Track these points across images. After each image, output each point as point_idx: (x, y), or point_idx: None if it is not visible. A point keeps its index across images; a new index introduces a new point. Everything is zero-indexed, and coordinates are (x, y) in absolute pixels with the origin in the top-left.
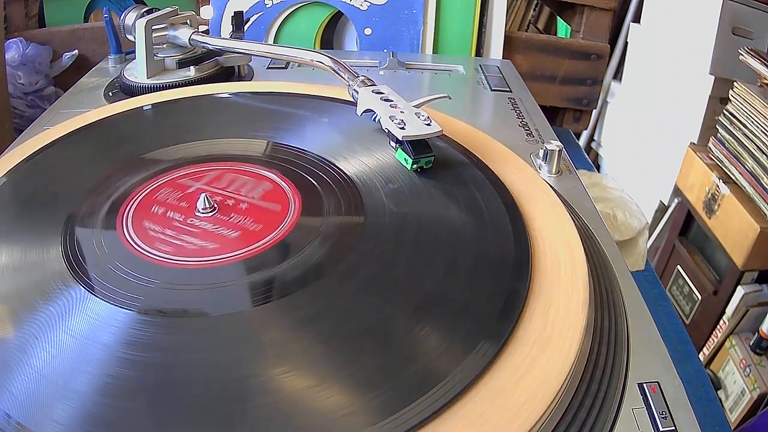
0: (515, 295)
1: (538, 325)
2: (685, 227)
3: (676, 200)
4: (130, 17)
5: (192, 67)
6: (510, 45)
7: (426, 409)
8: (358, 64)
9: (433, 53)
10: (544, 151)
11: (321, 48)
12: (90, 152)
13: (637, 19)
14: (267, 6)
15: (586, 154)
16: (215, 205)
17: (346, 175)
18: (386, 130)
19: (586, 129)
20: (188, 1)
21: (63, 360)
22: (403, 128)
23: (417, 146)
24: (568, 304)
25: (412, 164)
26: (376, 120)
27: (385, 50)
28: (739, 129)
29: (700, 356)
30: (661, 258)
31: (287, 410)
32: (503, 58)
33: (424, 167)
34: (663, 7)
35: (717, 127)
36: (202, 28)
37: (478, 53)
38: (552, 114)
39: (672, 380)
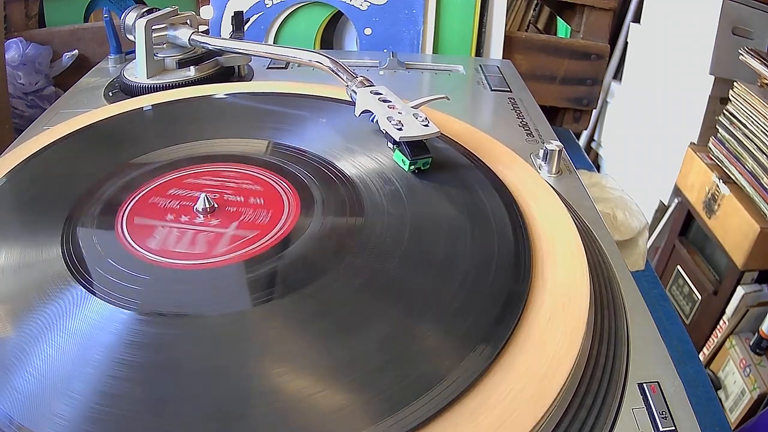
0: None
1: (538, 325)
2: (685, 227)
3: (676, 200)
4: (130, 17)
5: (192, 67)
6: (510, 45)
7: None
8: (358, 64)
9: (433, 53)
10: (544, 151)
11: (321, 48)
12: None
13: (637, 19)
14: (267, 6)
15: (586, 154)
16: (215, 205)
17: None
18: (384, 131)
19: (586, 129)
20: (188, 1)
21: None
22: (400, 129)
23: (414, 147)
24: (568, 305)
25: (410, 165)
26: (374, 121)
27: (385, 50)
28: (739, 129)
29: (700, 356)
30: (661, 258)
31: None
32: (503, 58)
33: (422, 168)
34: (663, 7)
35: (717, 127)
36: (202, 28)
37: (478, 53)
38: (552, 114)
39: (672, 380)
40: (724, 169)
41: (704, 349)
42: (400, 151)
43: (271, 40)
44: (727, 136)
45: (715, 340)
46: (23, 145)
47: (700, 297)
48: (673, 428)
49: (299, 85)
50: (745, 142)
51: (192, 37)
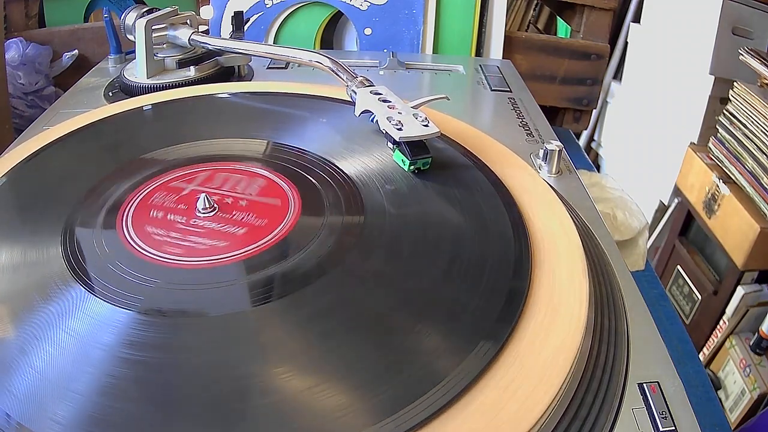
0: (515, 295)
1: (538, 325)
2: (685, 227)
3: (676, 200)
4: (130, 17)
5: (192, 67)
6: (510, 45)
7: (426, 409)
8: (358, 64)
9: (433, 53)
10: (544, 151)
11: (321, 48)
12: (90, 152)
13: (637, 19)
14: (267, 6)
15: (586, 154)
16: (215, 205)
17: (346, 175)
18: (384, 131)
19: (586, 129)
20: (188, 1)
21: (63, 360)
22: (400, 129)
23: (414, 147)
24: (568, 305)
25: (410, 165)
26: (374, 121)
27: (385, 50)
28: (739, 129)
29: (700, 356)
30: (661, 258)
31: (287, 410)
32: (503, 58)
33: (422, 168)
34: (663, 7)
35: (717, 127)
36: (202, 28)
37: (478, 53)
38: (552, 114)
39: (672, 380)
40: (724, 169)
41: (704, 349)
42: (400, 151)
43: (271, 40)
44: (727, 136)
45: (715, 340)
46: (23, 145)
47: (700, 297)
48: (673, 428)
49: (299, 85)
50: (745, 142)
51: (192, 37)
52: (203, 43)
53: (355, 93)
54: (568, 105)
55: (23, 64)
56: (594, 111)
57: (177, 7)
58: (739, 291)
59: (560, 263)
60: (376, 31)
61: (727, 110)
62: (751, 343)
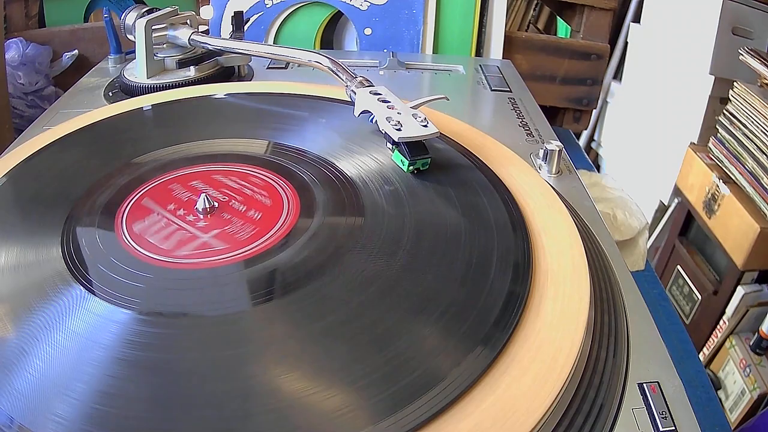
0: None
1: (538, 325)
2: (685, 227)
3: (676, 200)
4: (130, 17)
5: (192, 67)
6: (510, 45)
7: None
8: (358, 64)
9: (433, 53)
10: (544, 151)
11: (321, 48)
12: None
13: (637, 19)
14: (267, 6)
15: (586, 154)
16: (215, 205)
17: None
18: (383, 132)
19: (586, 129)
20: (188, 1)
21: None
22: (399, 129)
23: (413, 148)
24: (568, 305)
25: (409, 166)
26: (373, 121)
27: (385, 50)
28: (739, 129)
29: (700, 356)
30: (661, 258)
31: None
32: (503, 58)
33: (421, 169)
34: (663, 7)
35: (717, 127)
36: (202, 28)
37: (478, 53)
38: (552, 114)
39: (672, 380)
40: (724, 169)
41: (704, 349)
42: (399, 151)
43: (271, 40)
44: (727, 136)
45: (715, 340)
46: (23, 145)
47: (700, 297)
48: (673, 428)
49: (299, 85)
50: (745, 142)
51: (192, 37)
52: (203, 43)
53: (355, 93)
54: (568, 105)
55: (23, 64)
56: (594, 111)
57: (177, 7)
58: (739, 291)
59: (560, 264)
60: (376, 31)
61: (727, 110)
62: (751, 343)
